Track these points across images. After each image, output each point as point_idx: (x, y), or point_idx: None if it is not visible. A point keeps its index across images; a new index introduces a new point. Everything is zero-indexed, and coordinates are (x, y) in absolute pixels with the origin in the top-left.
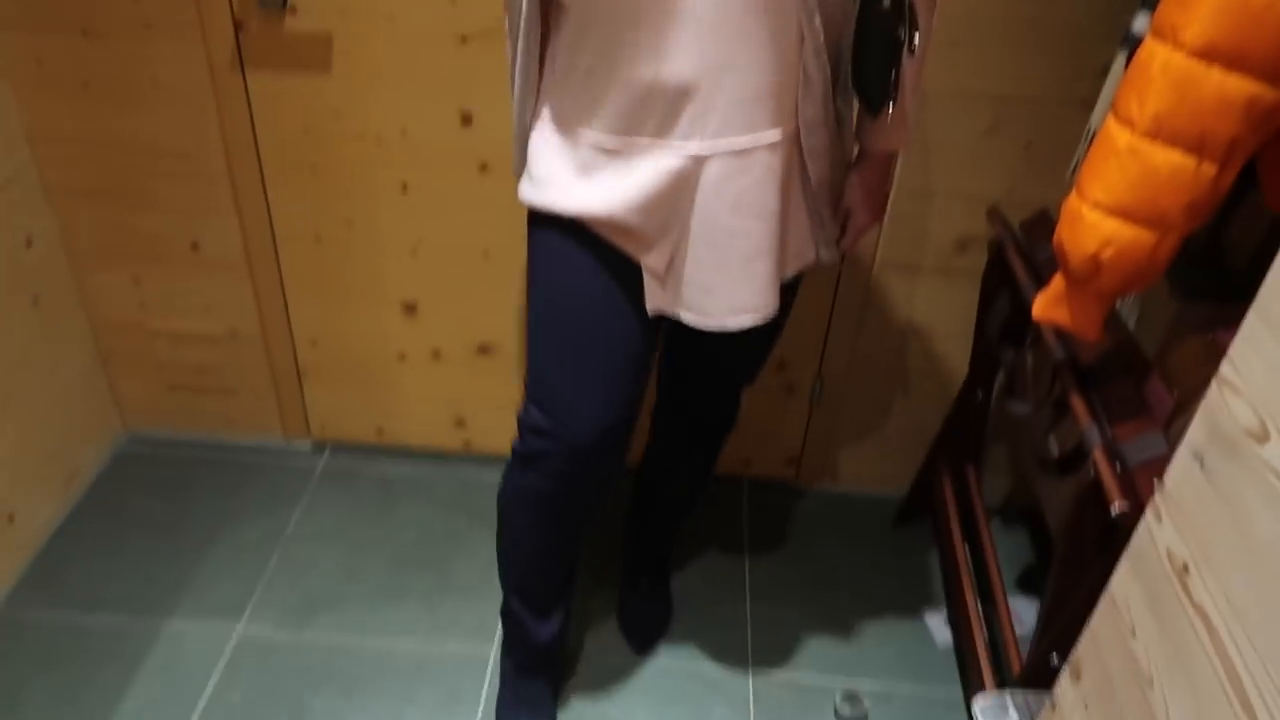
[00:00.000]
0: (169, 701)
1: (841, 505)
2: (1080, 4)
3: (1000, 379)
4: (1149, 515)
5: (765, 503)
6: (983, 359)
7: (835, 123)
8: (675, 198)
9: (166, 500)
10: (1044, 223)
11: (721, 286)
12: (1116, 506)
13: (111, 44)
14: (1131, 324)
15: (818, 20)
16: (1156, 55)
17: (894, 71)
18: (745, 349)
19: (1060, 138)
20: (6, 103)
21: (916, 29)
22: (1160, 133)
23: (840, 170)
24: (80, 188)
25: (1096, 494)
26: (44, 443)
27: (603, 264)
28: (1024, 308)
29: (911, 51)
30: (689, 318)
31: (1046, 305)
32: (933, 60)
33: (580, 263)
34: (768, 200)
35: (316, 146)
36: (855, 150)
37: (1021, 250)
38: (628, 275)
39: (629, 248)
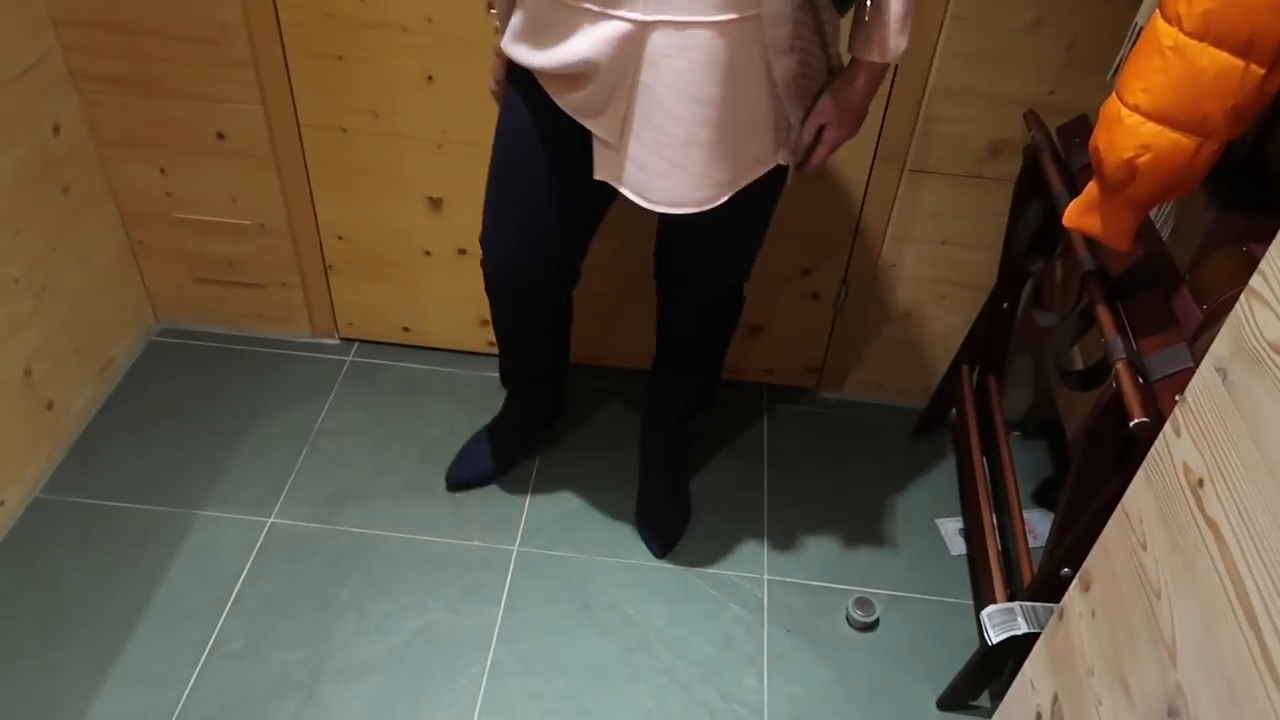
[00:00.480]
0: (203, 587)
1: (862, 414)
2: None
3: (1028, 289)
4: (1168, 429)
5: (786, 410)
6: (1011, 269)
7: (811, 19)
8: (620, 65)
9: (199, 392)
10: (1082, 128)
11: (657, 169)
12: (1136, 419)
13: None
14: (1165, 234)
15: None
16: None
17: None
18: (713, 241)
19: (1106, 36)
20: None
21: None
22: (1208, 32)
23: (817, 74)
24: (105, 74)
25: (1117, 406)
26: (79, 332)
27: (549, 125)
28: (1056, 216)
29: None
30: (629, 194)
31: (1078, 213)
32: None
33: (528, 118)
34: (706, 85)
35: (340, 33)
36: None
37: (1057, 156)
38: (571, 140)
39: (580, 113)
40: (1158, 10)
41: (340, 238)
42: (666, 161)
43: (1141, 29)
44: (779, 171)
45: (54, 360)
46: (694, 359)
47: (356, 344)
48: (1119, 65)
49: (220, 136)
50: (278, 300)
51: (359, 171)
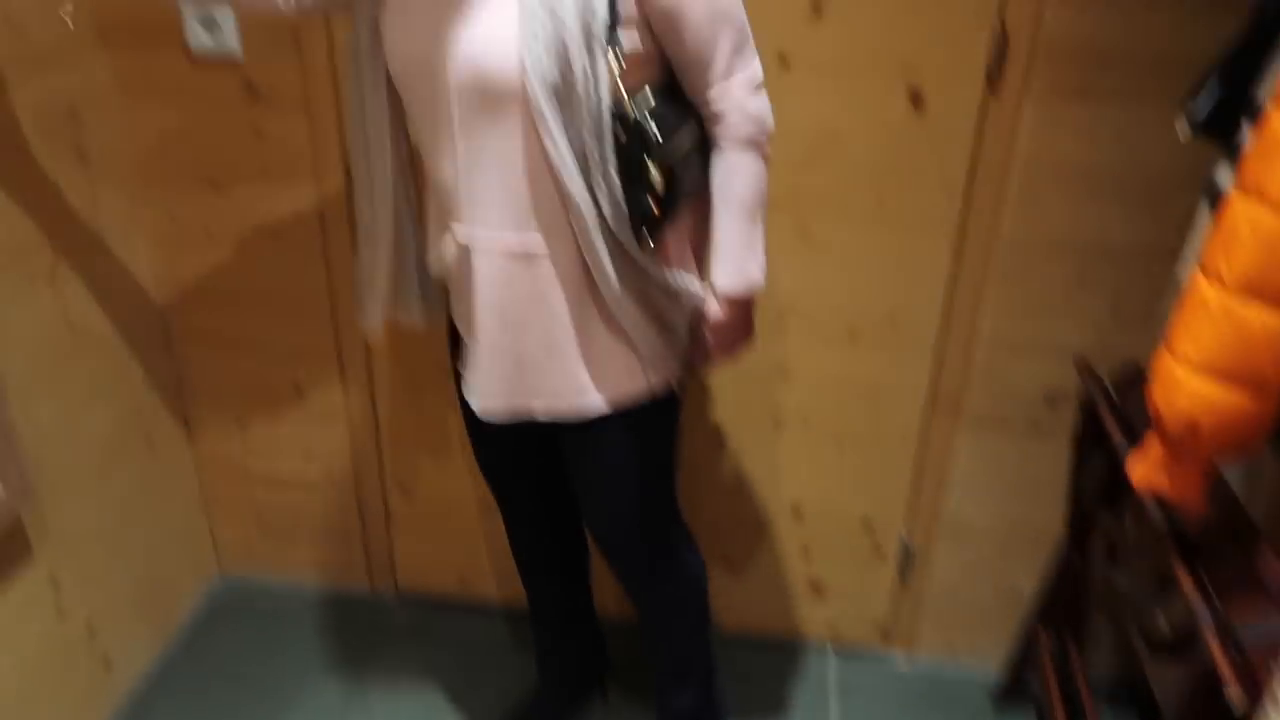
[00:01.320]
0: None
1: (938, 679)
2: (1159, 151)
3: (1100, 543)
4: (1267, 701)
5: (855, 678)
6: (1080, 521)
7: (637, 249)
8: (461, 282)
9: (255, 650)
10: (1135, 377)
11: (478, 377)
12: (1232, 694)
13: (234, 196)
14: (1237, 486)
15: (551, 125)
16: (1245, 212)
17: (644, 204)
18: (590, 478)
19: (1148, 289)
20: (137, 253)
21: (674, 168)
22: (1251, 290)
23: (668, 297)
24: (199, 332)
25: (1210, 680)
26: (146, 587)
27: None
28: (1120, 468)
29: (666, 195)
30: (470, 399)
31: (1146, 472)
32: (1014, 210)
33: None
34: (512, 308)
35: None
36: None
37: (1114, 407)
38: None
39: (462, 328)
40: (1199, 267)
41: (406, 491)
42: (482, 370)
43: (1182, 283)
44: (649, 410)
45: (116, 618)
46: (655, 635)
47: (413, 598)
48: (1166, 318)
49: (298, 390)
50: (338, 553)
51: (427, 425)
